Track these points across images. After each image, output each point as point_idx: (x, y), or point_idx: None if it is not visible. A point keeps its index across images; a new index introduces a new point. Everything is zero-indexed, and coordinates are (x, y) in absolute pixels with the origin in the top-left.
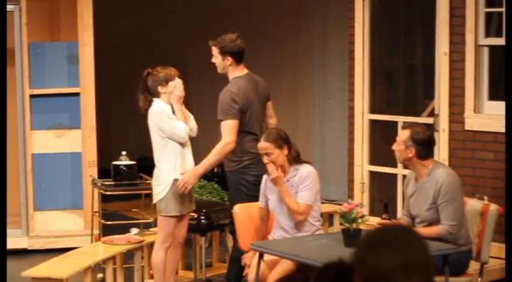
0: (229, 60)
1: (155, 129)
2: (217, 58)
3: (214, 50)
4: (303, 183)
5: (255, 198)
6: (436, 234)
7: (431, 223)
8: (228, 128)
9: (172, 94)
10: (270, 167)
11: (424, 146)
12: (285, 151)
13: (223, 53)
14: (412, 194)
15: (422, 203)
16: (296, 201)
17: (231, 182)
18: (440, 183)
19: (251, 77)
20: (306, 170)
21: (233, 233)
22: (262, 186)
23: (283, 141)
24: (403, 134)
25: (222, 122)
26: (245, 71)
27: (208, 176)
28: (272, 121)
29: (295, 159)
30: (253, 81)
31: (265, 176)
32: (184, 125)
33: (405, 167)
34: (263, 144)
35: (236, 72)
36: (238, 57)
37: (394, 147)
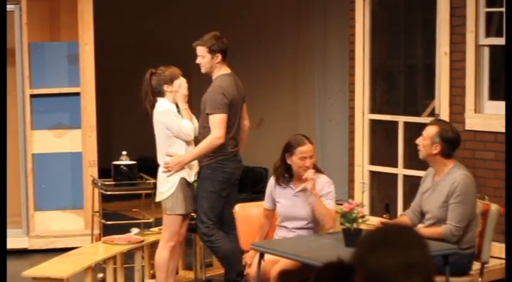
0: (218, 57)
1: (162, 128)
2: (205, 57)
3: (202, 50)
4: (327, 192)
5: (215, 195)
6: (439, 234)
7: (440, 221)
8: (218, 122)
9: (178, 93)
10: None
11: (451, 145)
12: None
13: (213, 51)
14: (427, 189)
15: (435, 200)
16: (325, 207)
17: (201, 175)
18: (457, 184)
19: (234, 76)
20: (325, 180)
21: (206, 235)
22: (270, 187)
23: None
24: (430, 130)
25: (211, 116)
26: (229, 70)
27: None
28: (246, 123)
29: (315, 167)
30: (236, 81)
31: (272, 180)
32: (191, 124)
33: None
34: (311, 147)
35: (222, 70)
36: (225, 54)
37: (419, 141)
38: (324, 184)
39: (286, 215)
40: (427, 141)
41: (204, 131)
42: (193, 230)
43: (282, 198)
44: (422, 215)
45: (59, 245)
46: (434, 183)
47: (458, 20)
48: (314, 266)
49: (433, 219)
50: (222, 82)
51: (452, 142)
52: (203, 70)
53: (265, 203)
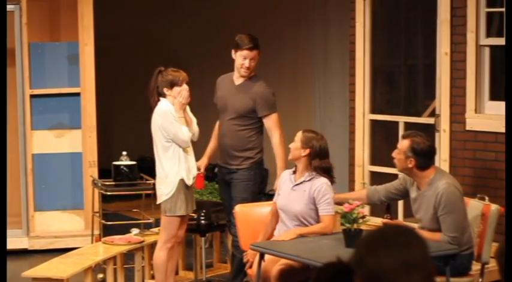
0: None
1: (160, 129)
2: (256, 59)
3: (256, 53)
4: (323, 196)
5: (257, 197)
6: (437, 241)
7: (431, 230)
8: (277, 120)
9: (176, 99)
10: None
11: (424, 157)
12: (303, 152)
13: (260, 52)
14: (415, 199)
15: (425, 212)
16: (314, 227)
17: (244, 177)
18: (441, 195)
19: None
20: (323, 181)
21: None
22: (280, 181)
23: (311, 146)
24: (403, 144)
25: (268, 117)
26: None
27: (209, 176)
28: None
29: (317, 170)
30: None
31: (285, 173)
32: (188, 130)
33: None
34: (298, 134)
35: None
36: None
37: (394, 154)
38: (319, 189)
39: (281, 208)
40: (401, 156)
41: (234, 132)
42: (194, 230)
43: (282, 189)
44: (385, 202)
45: (59, 245)
46: (420, 194)
47: (459, 20)
48: (314, 266)
49: (425, 229)
50: (264, 82)
51: (425, 155)
52: (246, 74)
53: (275, 197)
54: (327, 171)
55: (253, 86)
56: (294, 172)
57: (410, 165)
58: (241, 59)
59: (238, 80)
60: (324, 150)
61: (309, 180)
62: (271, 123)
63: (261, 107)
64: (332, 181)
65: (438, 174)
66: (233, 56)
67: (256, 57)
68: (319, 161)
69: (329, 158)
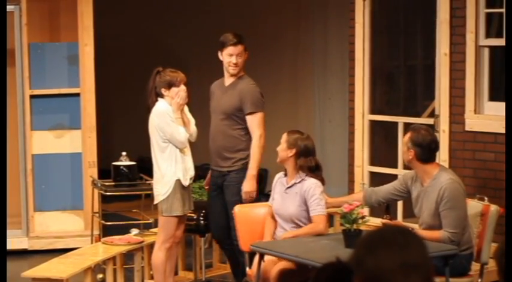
0: (247, 54)
1: (156, 129)
2: (242, 56)
3: (240, 49)
4: (313, 196)
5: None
6: (437, 239)
7: (430, 227)
8: (261, 120)
9: (173, 100)
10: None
11: (424, 149)
12: (290, 152)
13: (246, 49)
14: (418, 196)
15: (425, 208)
16: (304, 228)
17: (236, 179)
18: (444, 189)
19: None
20: (312, 182)
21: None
22: (274, 183)
23: (296, 145)
24: (405, 136)
25: (252, 115)
26: None
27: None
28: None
29: (303, 169)
30: None
31: (277, 176)
32: (185, 132)
33: (405, 168)
34: (283, 136)
35: (242, 70)
36: None
37: (401, 149)
38: (308, 189)
39: (276, 212)
40: (404, 148)
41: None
42: (193, 230)
43: (276, 192)
44: (383, 204)
45: (59, 245)
46: (423, 190)
47: (458, 20)
48: (314, 267)
49: (424, 225)
50: (252, 81)
51: (424, 146)
52: (235, 71)
53: (270, 200)
54: (312, 170)
55: (240, 84)
56: (285, 175)
57: (410, 157)
58: (228, 56)
59: (228, 81)
60: (309, 149)
61: (299, 182)
62: (253, 122)
63: (246, 104)
64: (322, 180)
65: (442, 170)
66: (220, 57)
67: (243, 54)
68: (304, 160)
69: (315, 156)
